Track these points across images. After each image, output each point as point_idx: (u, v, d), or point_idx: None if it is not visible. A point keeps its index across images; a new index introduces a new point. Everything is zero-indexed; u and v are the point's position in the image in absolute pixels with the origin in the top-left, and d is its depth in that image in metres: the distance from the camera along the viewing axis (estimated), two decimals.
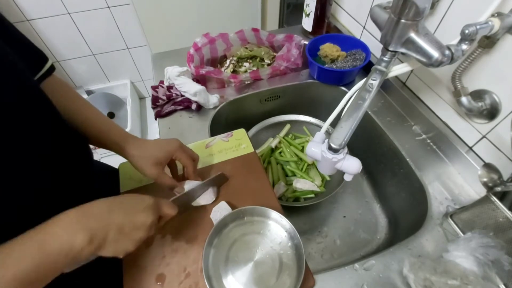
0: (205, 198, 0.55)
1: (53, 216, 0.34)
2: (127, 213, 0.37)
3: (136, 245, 0.39)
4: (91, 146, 0.57)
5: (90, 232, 0.33)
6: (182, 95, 0.78)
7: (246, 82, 0.84)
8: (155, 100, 0.78)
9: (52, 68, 0.49)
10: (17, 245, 0.30)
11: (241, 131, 0.68)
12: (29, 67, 0.44)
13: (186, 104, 0.77)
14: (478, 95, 0.56)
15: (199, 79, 0.82)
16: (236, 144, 0.66)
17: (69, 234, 0.32)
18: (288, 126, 0.87)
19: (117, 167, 0.66)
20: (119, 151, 0.52)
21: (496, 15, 0.47)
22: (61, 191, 0.44)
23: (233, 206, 0.54)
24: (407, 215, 0.68)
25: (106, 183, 0.62)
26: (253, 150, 0.64)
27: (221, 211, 0.53)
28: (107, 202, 0.37)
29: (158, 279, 0.47)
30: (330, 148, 0.46)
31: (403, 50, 0.47)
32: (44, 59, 0.48)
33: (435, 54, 0.44)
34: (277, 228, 0.51)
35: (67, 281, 0.56)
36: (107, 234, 0.35)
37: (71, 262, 0.33)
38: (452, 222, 0.56)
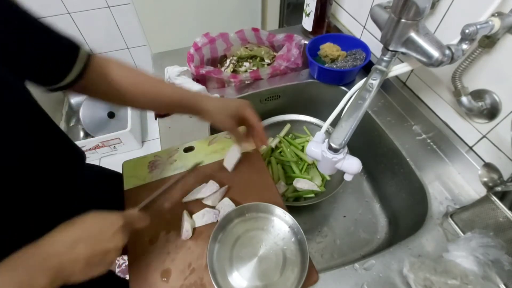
0: (208, 191, 0.56)
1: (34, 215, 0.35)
2: (95, 244, 0.35)
3: (110, 266, 0.38)
4: (90, 147, 0.57)
5: (54, 272, 0.32)
6: None
7: (246, 82, 0.84)
8: None
9: (86, 54, 0.46)
10: None
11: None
12: (59, 62, 0.43)
13: None
14: (478, 94, 0.56)
15: (199, 79, 0.82)
16: None
17: (27, 279, 0.31)
18: (288, 126, 0.86)
19: (113, 167, 0.66)
20: (198, 109, 0.53)
21: (496, 14, 0.47)
22: (45, 193, 0.44)
23: (236, 203, 0.55)
24: (407, 215, 0.68)
25: (93, 184, 0.62)
26: (255, 147, 0.65)
27: (224, 207, 0.54)
28: (71, 234, 0.35)
29: (164, 275, 0.48)
30: (330, 147, 0.46)
31: (403, 49, 0.47)
32: (74, 49, 0.44)
33: (435, 53, 0.44)
34: (281, 224, 0.52)
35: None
36: (73, 269, 0.34)
37: None
38: (452, 222, 0.56)
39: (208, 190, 0.56)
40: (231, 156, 0.61)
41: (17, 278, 0.31)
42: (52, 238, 0.34)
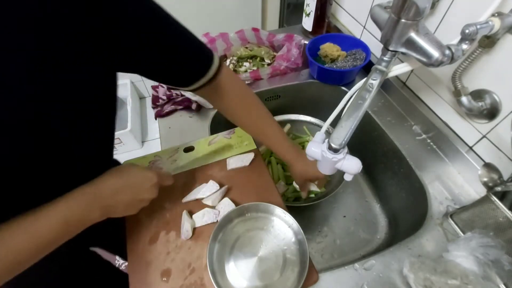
0: (208, 191, 0.57)
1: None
2: (135, 193, 0.44)
3: (138, 210, 0.47)
4: None
5: (104, 209, 0.41)
6: (182, 95, 0.78)
7: (246, 82, 0.84)
8: (155, 99, 0.78)
9: (216, 69, 0.46)
10: (44, 216, 0.36)
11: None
12: (188, 76, 0.45)
13: (186, 104, 0.77)
14: (478, 94, 0.56)
15: None
16: (238, 141, 0.66)
17: (87, 212, 0.40)
18: (288, 126, 0.87)
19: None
20: (285, 163, 0.66)
21: (496, 15, 0.47)
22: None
23: (236, 203, 0.55)
24: (407, 215, 0.68)
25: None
26: (255, 147, 0.65)
27: (224, 207, 0.54)
28: (116, 182, 0.43)
29: (164, 275, 0.48)
30: (330, 148, 0.46)
31: (403, 49, 0.47)
32: (205, 66, 0.45)
33: (435, 53, 0.44)
34: (281, 224, 0.52)
35: (75, 275, 0.57)
36: (117, 209, 0.43)
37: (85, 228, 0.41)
38: (452, 222, 0.56)
39: (208, 190, 0.56)
40: (240, 160, 0.62)
41: (79, 208, 0.39)
42: (103, 183, 0.42)
